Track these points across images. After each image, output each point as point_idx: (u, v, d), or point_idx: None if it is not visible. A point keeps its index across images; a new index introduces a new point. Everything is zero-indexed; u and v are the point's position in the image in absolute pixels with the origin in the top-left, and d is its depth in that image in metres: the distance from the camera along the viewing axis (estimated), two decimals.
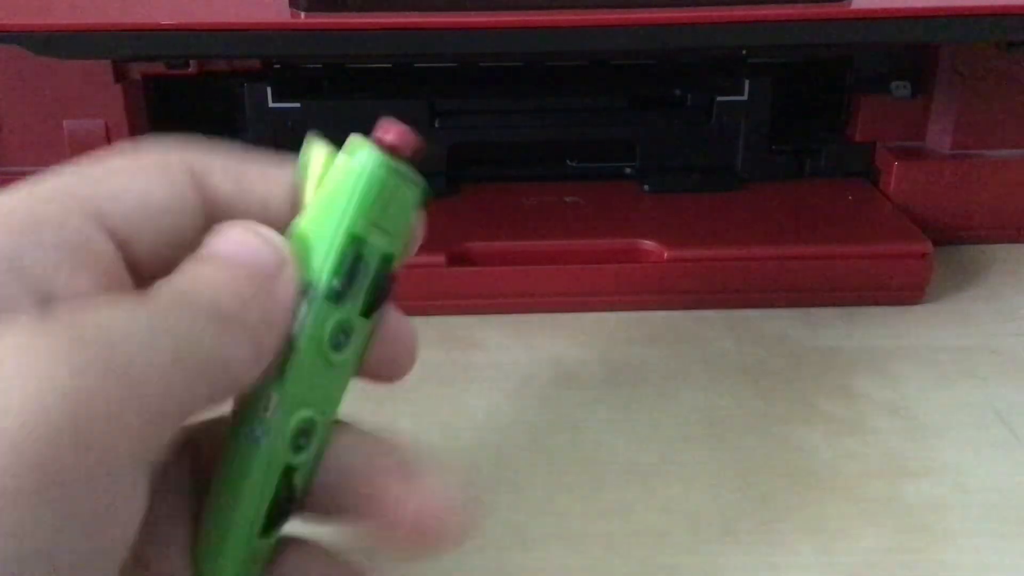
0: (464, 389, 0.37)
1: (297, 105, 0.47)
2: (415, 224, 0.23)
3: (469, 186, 0.48)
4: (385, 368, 0.23)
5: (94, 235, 0.20)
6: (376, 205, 0.21)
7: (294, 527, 0.22)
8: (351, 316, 0.21)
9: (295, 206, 0.22)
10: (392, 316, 0.22)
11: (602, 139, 0.50)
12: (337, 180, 0.21)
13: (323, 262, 0.20)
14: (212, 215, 0.21)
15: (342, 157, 0.21)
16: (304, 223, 0.21)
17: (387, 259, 0.21)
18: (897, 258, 0.43)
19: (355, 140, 0.22)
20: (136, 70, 0.45)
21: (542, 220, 0.45)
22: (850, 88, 0.49)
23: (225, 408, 0.20)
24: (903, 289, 0.43)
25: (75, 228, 0.19)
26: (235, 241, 0.20)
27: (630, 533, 0.31)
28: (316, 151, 0.22)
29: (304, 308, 0.20)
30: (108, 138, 0.45)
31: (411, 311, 0.23)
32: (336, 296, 0.20)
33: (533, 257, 0.43)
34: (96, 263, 0.19)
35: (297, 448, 0.20)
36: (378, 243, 0.21)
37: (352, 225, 0.20)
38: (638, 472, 0.33)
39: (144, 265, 0.20)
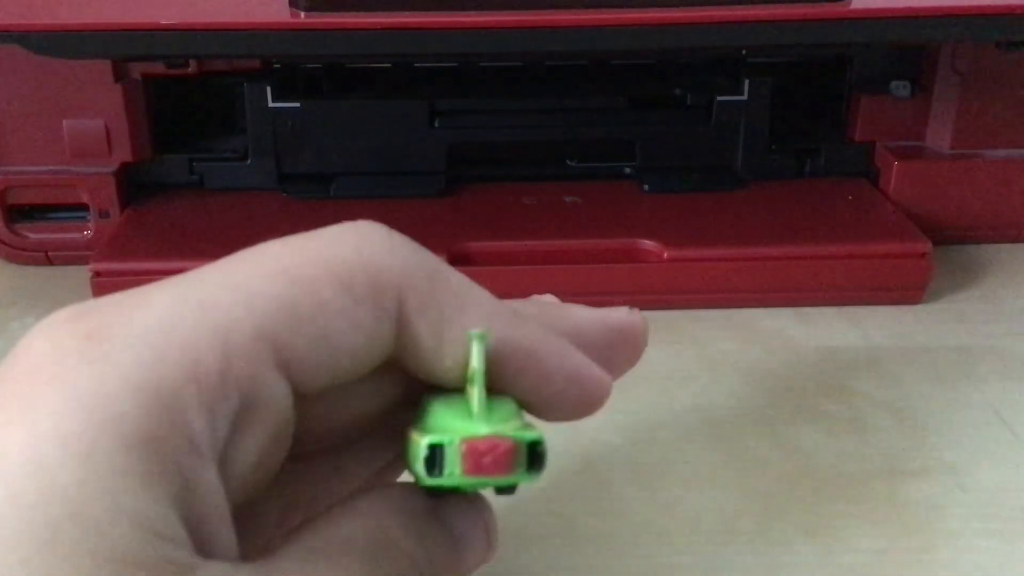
0: None
1: (297, 105, 0.47)
2: None
3: (469, 186, 0.48)
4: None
5: (275, 387, 0.18)
6: None
7: None
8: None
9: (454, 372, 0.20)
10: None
11: (602, 139, 0.50)
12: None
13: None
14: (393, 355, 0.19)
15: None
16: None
17: None
18: (897, 258, 0.43)
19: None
20: (136, 70, 0.45)
21: (542, 220, 0.45)
22: (850, 88, 0.49)
23: None
24: (903, 289, 0.43)
25: (254, 379, 0.17)
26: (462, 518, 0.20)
27: (630, 533, 0.31)
28: (477, 352, 0.19)
29: None
30: (108, 138, 0.45)
31: None
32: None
33: (533, 257, 0.43)
34: (267, 418, 0.18)
35: None
36: None
37: None
38: (638, 472, 0.33)
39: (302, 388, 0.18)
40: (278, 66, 0.47)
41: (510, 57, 0.49)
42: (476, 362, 0.19)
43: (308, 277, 0.18)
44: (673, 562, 0.30)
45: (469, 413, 0.19)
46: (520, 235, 0.44)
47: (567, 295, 0.43)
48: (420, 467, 0.18)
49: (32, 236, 0.46)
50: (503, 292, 0.42)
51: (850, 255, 0.43)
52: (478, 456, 0.18)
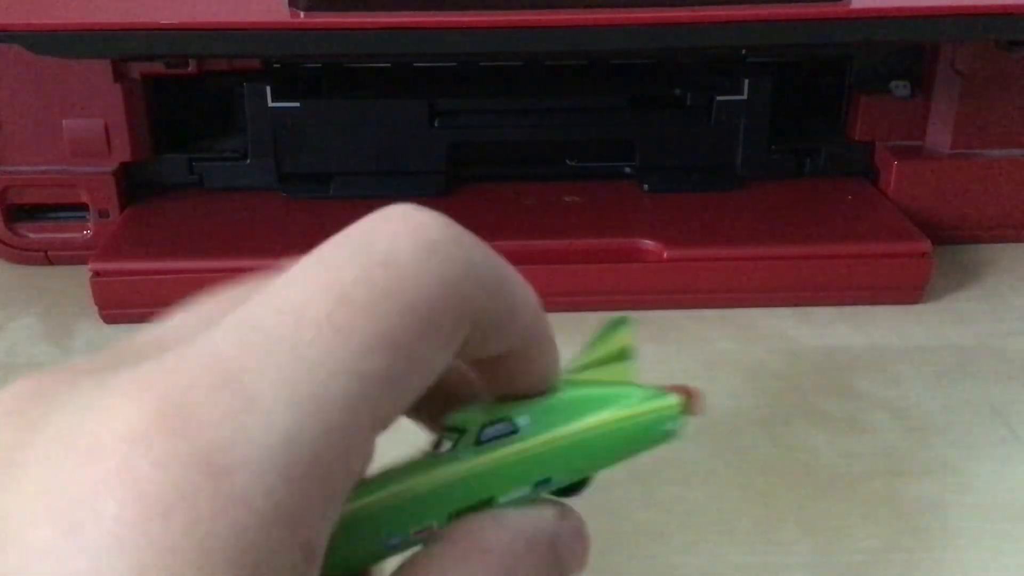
0: None
1: (296, 104, 0.47)
2: None
3: (469, 186, 0.48)
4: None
5: (368, 449, 0.16)
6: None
7: None
8: None
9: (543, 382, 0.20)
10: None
11: (602, 139, 0.49)
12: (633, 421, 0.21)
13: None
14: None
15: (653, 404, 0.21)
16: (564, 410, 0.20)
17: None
18: (896, 257, 0.43)
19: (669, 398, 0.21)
20: (136, 69, 0.45)
21: (542, 220, 0.45)
22: (850, 87, 0.49)
23: None
24: (903, 288, 0.43)
25: (364, 466, 0.16)
26: (570, 545, 0.20)
27: (630, 532, 0.31)
28: (624, 337, 0.22)
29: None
30: (107, 137, 0.45)
31: None
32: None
33: (533, 257, 0.43)
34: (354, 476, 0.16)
35: None
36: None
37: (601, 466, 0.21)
38: (638, 472, 0.33)
39: None
40: (278, 66, 0.47)
41: (510, 57, 0.49)
42: (629, 342, 0.22)
43: (407, 341, 0.16)
44: (673, 562, 0.30)
45: (602, 393, 0.21)
46: (520, 235, 0.44)
47: (567, 295, 0.43)
48: (674, 426, 0.21)
49: (32, 236, 0.46)
50: None
51: (850, 255, 0.43)
52: (697, 399, 0.22)
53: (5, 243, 0.46)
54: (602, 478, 0.32)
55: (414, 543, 0.19)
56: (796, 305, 0.43)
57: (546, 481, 0.20)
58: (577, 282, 0.42)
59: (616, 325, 0.21)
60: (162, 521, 0.13)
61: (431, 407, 0.20)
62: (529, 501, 0.20)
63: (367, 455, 0.16)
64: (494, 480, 0.19)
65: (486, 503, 0.19)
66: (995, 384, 0.38)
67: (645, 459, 0.34)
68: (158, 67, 0.45)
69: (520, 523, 0.19)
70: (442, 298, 0.16)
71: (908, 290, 0.43)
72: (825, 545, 0.30)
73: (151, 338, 0.18)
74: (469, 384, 0.21)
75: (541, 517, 0.19)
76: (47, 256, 0.47)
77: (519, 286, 0.19)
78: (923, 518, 0.31)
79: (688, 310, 0.43)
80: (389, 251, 0.16)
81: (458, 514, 0.19)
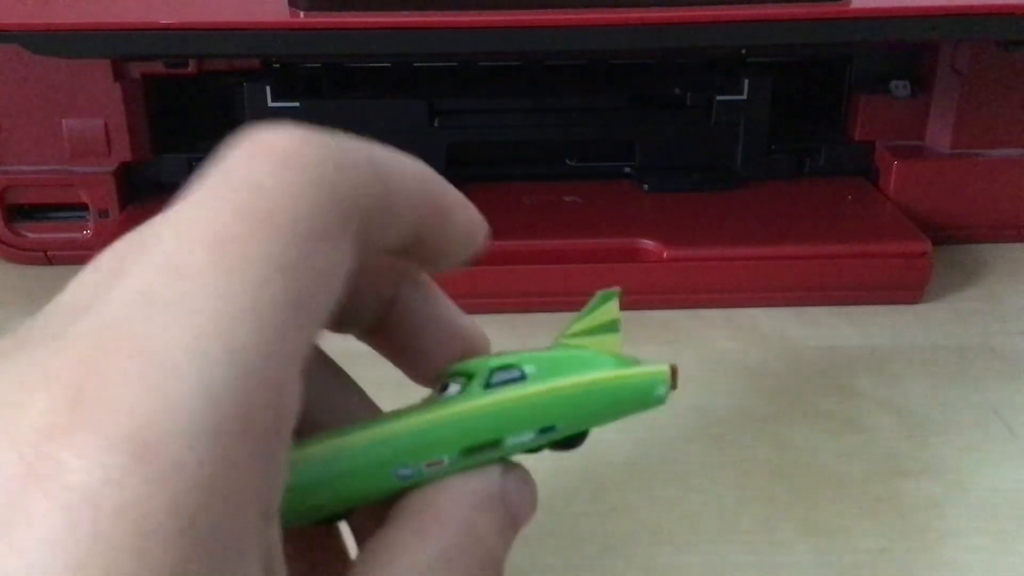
0: None
1: (296, 104, 0.47)
2: None
3: (468, 185, 0.48)
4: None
5: (293, 384, 0.16)
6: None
7: None
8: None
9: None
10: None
11: (601, 138, 0.50)
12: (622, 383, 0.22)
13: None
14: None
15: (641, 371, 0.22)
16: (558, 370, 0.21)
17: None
18: (896, 257, 0.43)
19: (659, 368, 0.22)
20: (135, 69, 0.45)
21: (541, 219, 0.45)
22: (849, 87, 0.49)
23: None
24: (902, 288, 0.43)
25: (296, 404, 0.16)
26: (519, 494, 0.20)
27: (630, 533, 0.31)
28: (612, 310, 0.23)
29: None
30: (108, 137, 0.45)
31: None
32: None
33: (532, 257, 0.43)
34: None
35: None
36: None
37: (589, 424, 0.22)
38: (638, 472, 0.33)
39: None
40: (277, 66, 0.47)
41: (510, 57, 0.49)
42: (617, 315, 0.22)
43: (300, 258, 0.15)
44: (673, 562, 0.30)
45: (595, 355, 0.22)
46: (519, 235, 0.44)
47: (567, 295, 0.43)
48: (664, 391, 0.22)
49: (32, 236, 0.46)
50: (503, 291, 0.42)
51: (850, 255, 0.43)
52: (675, 376, 0.22)
53: (5, 243, 0.46)
54: (602, 478, 0.32)
55: (426, 477, 0.19)
56: (796, 305, 0.43)
57: (550, 429, 0.21)
58: (577, 282, 0.42)
59: (605, 298, 0.22)
60: (92, 512, 0.13)
61: (383, 326, 0.21)
62: (528, 448, 0.21)
63: (295, 392, 0.15)
64: (503, 420, 0.20)
65: (494, 444, 0.20)
66: (995, 384, 0.38)
67: (644, 459, 0.34)
68: (158, 67, 0.45)
69: (467, 486, 0.19)
70: (315, 205, 0.16)
71: (908, 290, 0.43)
72: (825, 545, 0.30)
73: (58, 308, 0.17)
74: (397, 276, 0.21)
75: (486, 477, 0.20)
76: (47, 256, 0.47)
77: (397, 163, 0.19)
78: (923, 518, 0.31)
79: (688, 310, 0.43)
80: (250, 175, 0.16)
81: (468, 452, 0.19)
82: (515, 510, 0.20)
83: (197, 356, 0.14)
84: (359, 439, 0.19)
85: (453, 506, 0.19)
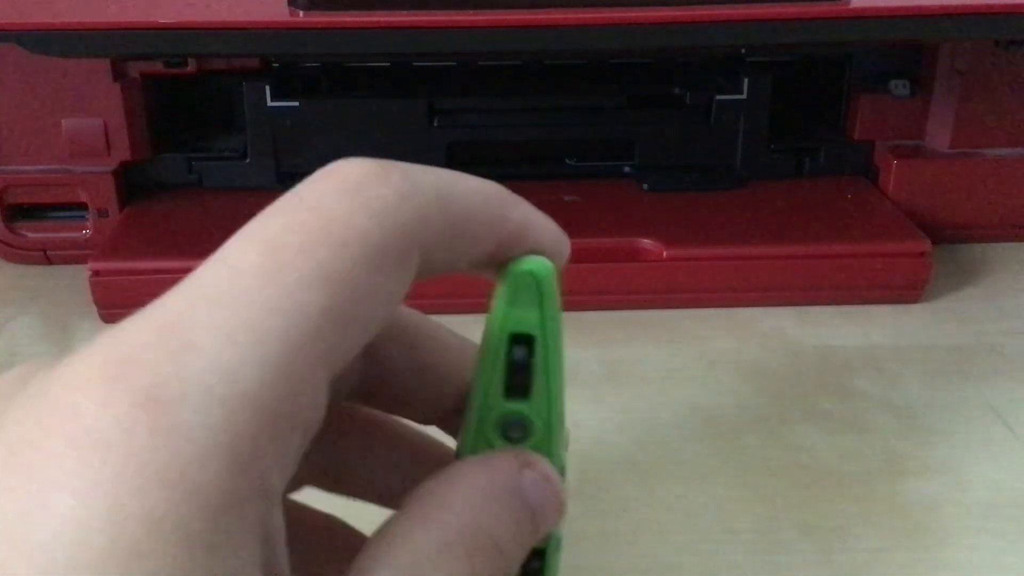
0: None
1: (295, 104, 0.47)
2: None
3: None
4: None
5: (325, 402, 0.16)
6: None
7: None
8: None
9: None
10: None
11: (601, 138, 0.49)
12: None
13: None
14: None
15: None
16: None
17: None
18: (896, 257, 0.43)
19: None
20: (135, 69, 0.45)
21: None
22: (849, 87, 0.49)
23: None
24: (902, 288, 0.43)
25: (316, 406, 0.16)
26: (539, 491, 0.20)
27: (630, 532, 0.31)
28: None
29: None
30: (107, 137, 0.45)
31: (431, 309, 0.23)
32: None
33: None
34: (312, 430, 0.17)
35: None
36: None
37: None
38: (638, 471, 0.33)
39: None
40: (277, 65, 0.47)
41: (509, 56, 0.49)
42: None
43: (344, 274, 0.16)
44: (673, 561, 0.30)
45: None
46: None
47: (566, 295, 0.43)
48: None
49: (31, 235, 0.46)
50: None
51: (849, 254, 0.43)
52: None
53: (4, 243, 0.46)
54: (602, 478, 0.32)
55: None
56: (796, 304, 0.43)
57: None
58: (576, 282, 0.42)
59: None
60: (102, 454, 0.14)
61: (368, 387, 0.22)
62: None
63: (319, 397, 0.16)
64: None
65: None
66: (995, 384, 0.38)
67: (644, 458, 0.34)
68: (157, 66, 0.45)
69: (477, 476, 0.19)
70: (371, 229, 0.17)
71: (907, 289, 0.43)
72: (825, 545, 0.30)
73: None
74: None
75: (499, 467, 0.20)
76: (46, 256, 0.47)
77: (464, 187, 0.19)
78: (923, 518, 0.31)
79: (688, 309, 0.43)
80: (316, 198, 0.17)
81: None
82: (534, 505, 0.20)
83: (221, 336, 0.15)
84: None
85: (457, 494, 0.19)
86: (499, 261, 0.20)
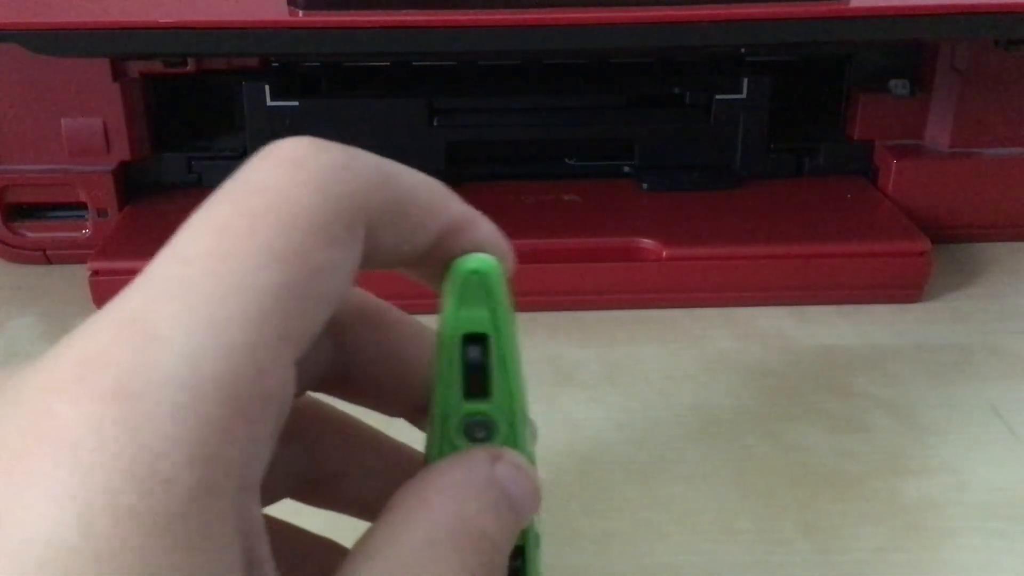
0: None
1: (295, 103, 0.47)
2: None
3: (468, 184, 0.48)
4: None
5: (292, 381, 0.17)
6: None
7: None
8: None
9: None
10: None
11: (601, 137, 0.49)
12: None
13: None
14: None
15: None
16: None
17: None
18: (895, 256, 0.43)
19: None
20: (134, 68, 0.45)
21: (541, 219, 0.45)
22: (849, 86, 0.49)
23: None
24: (901, 287, 0.43)
25: (284, 387, 0.16)
26: (514, 480, 0.20)
27: (629, 532, 0.31)
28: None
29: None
30: (106, 136, 0.45)
31: (410, 310, 0.23)
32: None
33: (532, 256, 0.42)
34: (284, 414, 0.17)
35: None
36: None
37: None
38: (637, 471, 0.33)
39: None
40: (276, 65, 0.47)
41: (509, 56, 0.49)
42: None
43: (297, 250, 0.16)
44: (672, 561, 0.30)
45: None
46: (519, 234, 0.43)
47: (566, 294, 0.43)
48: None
49: (30, 235, 0.46)
50: None
51: (849, 254, 0.43)
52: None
53: (4, 242, 0.46)
54: (602, 477, 0.32)
55: None
56: (795, 304, 0.43)
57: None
58: (576, 281, 0.42)
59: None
60: (71, 451, 0.14)
61: (337, 375, 0.22)
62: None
63: (286, 376, 0.16)
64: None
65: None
66: (995, 383, 0.38)
67: (644, 458, 0.34)
68: (157, 66, 0.45)
69: (453, 473, 0.19)
70: (318, 203, 0.17)
71: (907, 289, 0.43)
72: (825, 545, 0.30)
73: None
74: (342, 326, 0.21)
75: (472, 462, 0.20)
76: (46, 255, 0.47)
77: (408, 173, 0.19)
78: (923, 518, 0.31)
79: (687, 309, 0.43)
80: (260, 179, 0.17)
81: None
82: (512, 494, 0.20)
83: (181, 325, 0.15)
84: None
85: (436, 492, 0.19)
86: (442, 258, 0.20)
